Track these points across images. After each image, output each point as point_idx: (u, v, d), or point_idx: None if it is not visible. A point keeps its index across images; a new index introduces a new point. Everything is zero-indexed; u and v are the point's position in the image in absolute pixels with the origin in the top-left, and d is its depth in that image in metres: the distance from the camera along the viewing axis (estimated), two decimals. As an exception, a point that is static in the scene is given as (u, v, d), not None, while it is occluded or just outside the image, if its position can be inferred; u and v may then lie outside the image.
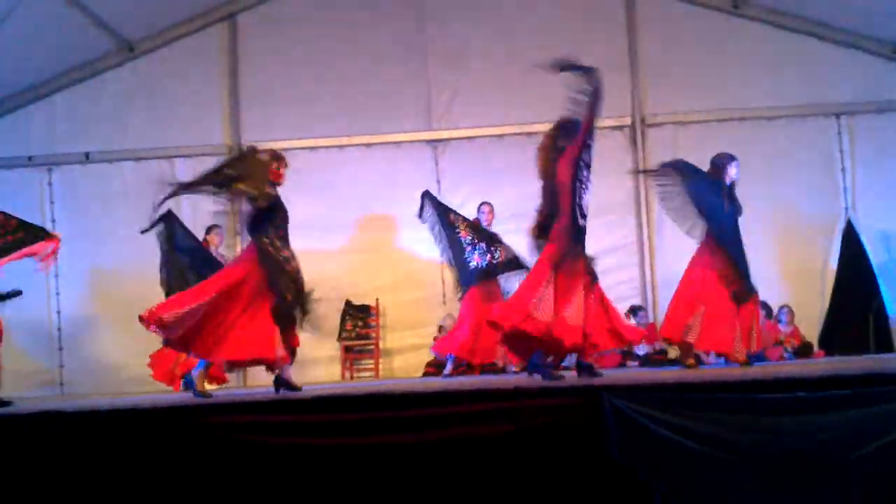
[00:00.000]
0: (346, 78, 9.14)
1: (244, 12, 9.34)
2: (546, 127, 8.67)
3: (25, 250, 5.80)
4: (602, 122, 8.61)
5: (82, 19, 8.54)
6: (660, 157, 8.87)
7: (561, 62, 5.36)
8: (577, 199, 5.34)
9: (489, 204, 7.94)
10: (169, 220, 7.49)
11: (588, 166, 5.43)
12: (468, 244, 7.55)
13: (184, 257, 7.60)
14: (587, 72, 5.40)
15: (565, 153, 5.47)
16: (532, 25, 9.07)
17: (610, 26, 9.12)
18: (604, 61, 8.92)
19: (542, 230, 5.51)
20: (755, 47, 9.01)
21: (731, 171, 6.62)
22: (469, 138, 9.08)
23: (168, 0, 8.97)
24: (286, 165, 5.77)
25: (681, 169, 6.52)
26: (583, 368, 5.44)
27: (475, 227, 7.73)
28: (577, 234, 5.37)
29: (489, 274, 7.48)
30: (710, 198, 6.43)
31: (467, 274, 7.54)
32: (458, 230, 7.60)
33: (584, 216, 5.39)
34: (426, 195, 7.81)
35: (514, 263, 7.41)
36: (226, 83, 9.28)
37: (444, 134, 9.12)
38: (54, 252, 5.94)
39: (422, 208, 7.78)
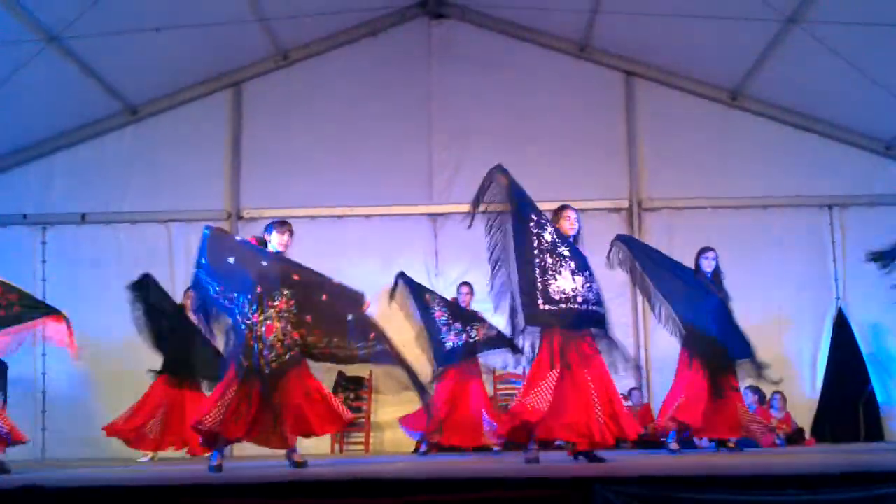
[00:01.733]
0: (348, 149, 9.46)
1: (250, 81, 9.70)
2: (544, 206, 9.07)
3: (25, 325, 5.78)
4: (600, 203, 9.08)
5: (87, 81, 8.81)
6: (656, 240, 9.22)
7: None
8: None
9: (468, 284, 8.02)
10: (146, 282, 7.72)
11: (548, 251, 5.45)
12: (443, 324, 7.61)
13: (161, 320, 7.83)
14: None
15: None
16: (534, 108, 9.52)
17: (610, 112, 9.59)
18: (603, 145, 9.50)
19: None
20: (751, 138, 9.46)
21: (703, 263, 7.02)
22: (469, 213, 9.28)
23: (174, 66, 9.24)
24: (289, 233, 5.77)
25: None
26: (583, 455, 5.48)
27: (451, 306, 7.79)
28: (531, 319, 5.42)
29: (465, 354, 7.58)
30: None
31: (442, 354, 7.59)
32: (433, 311, 7.66)
33: (551, 301, 5.39)
34: (400, 275, 7.85)
35: (494, 341, 7.46)
36: (228, 149, 9.56)
37: (444, 208, 9.38)
38: (70, 332, 5.90)
39: (394, 288, 7.77)
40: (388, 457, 7.91)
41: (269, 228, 5.76)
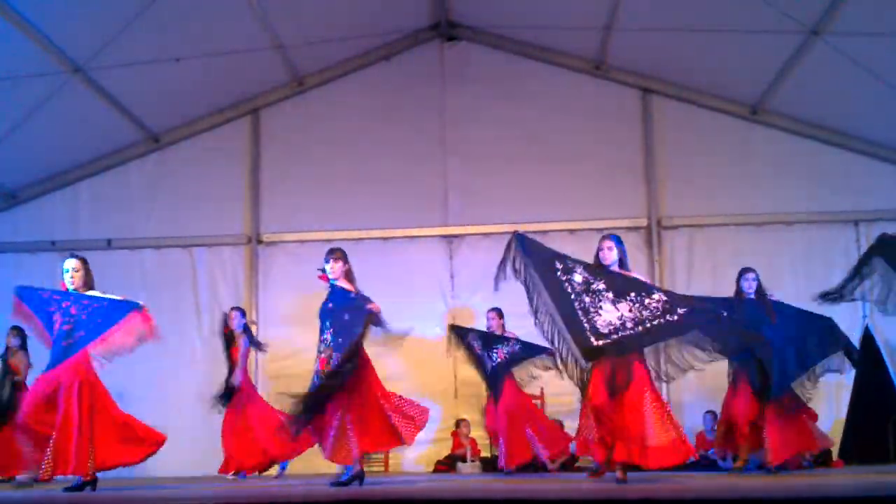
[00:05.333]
0: (364, 172, 9.88)
1: (267, 107, 10.20)
2: (560, 226, 9.26)
3: (114, 329, 5.96)
4: (618, 222, 9.17)
5: (110, 111, 9.39)
6: (675, 258, 9.36)
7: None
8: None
9: (495, 310, 8.39)
10: None
11: (584, 292, 5.71)
12: (480, 355, 8.13)
13: None
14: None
15: None
16: (549, 128, 9.84)
17: (627, 129, 9.83)
18: (621, 163, 9.67)
19: None
20: (773, 153, 9.62)
21: (744, 285, 7.23)
22: (484, 234, 9.49)
23: (194, 94, 9.80)
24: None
25: None
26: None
27: (481, 336, 8.26)
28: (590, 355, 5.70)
29: (493, 377, 8.04)
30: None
31: (488, 380, 8.17)
32: (474, 347, 8.15)
33: (603, 336, 5.65)
34: (451, 328, 8.29)
35: (519, 355, 7.98)
36: (247, 175, 10.06)
37: (460, 230, 9.76)
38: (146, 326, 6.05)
39: (450, 342, 8.22)
40: (408, 476, 8.10)
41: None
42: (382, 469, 9.22)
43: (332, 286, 6.22)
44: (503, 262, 5.81)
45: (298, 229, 9.62)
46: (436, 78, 9.95)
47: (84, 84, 8.68)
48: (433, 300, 9.45)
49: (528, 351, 7.87)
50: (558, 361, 5.99)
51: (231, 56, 9.09)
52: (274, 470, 8.30)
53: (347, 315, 6.07)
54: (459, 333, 8.24)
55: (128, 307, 6.02)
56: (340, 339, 6.00)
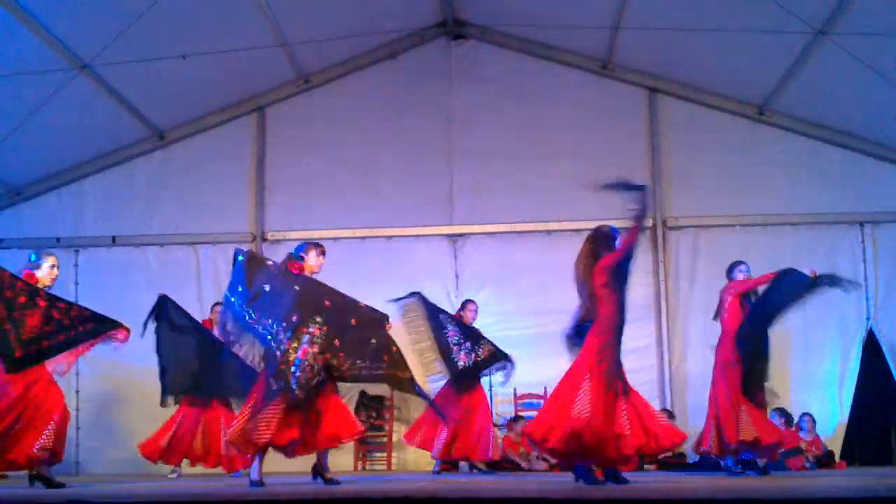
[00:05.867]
0: (370, 170, 9.95)
1: (273, 105, 10.24)
2: (565, 225, 9.29)
3: (96, 340, 6.11)
4: (624, 222, 9.14)
5: (117, 107, 9.42)
6: (680, 259, 9.40)
7: (614, 183, 5.90)
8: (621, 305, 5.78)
9: (475, 302, 8.55)
10: (163, 303, 8.05)
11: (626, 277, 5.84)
12: (455, 344, 8.05)
13: (184, 338, 8.10)
14: (639, 190, 5.96)
15: (603, 260, 5.93)
16: (555, 127, 9.87)
17: (633, 129, 9.87)
18: (627, 163, 9.69)
19: (578, 333, 5.86)
20: (779, 154, 9.67)
21: (738, 277, 7.26)
22: (489, 234, 9.52)
23: (199, 91, 9.83)
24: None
25: None
26: (609, 477, 5.69)
27: (463, 326, 8.24)
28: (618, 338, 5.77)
29: (474, 373, 8.08)
30: None
31: (456, 373, 8.02)
32: (446, 330, 8.08)
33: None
34: (415, 294, 8.14)
35: (493, 357, 8.09)
36: (252, 173, 10.10)
37: (465, 228, 9.80)
38: (125, 339, 6.25)
39: (406, 306, 8.08)
40: (411, 475, 8.14)
41: (301, 247, 6.19)
42: (385, 468, 9.29)
43: (314, 279, 6.06)
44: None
45: (303, 227, 9.62)
46: (442, 76, 9.98)
47: (90, 80, 8.70)
48: (437, 299, 9.40)
49: (498, 357, 8.02)
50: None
51: (237, 53, 9.10)
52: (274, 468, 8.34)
53: (355, 319, 5.90)
54: (428, 305, 8.12)
55: (113, 325, 6.13)
56: (351, 345, 5.83)
